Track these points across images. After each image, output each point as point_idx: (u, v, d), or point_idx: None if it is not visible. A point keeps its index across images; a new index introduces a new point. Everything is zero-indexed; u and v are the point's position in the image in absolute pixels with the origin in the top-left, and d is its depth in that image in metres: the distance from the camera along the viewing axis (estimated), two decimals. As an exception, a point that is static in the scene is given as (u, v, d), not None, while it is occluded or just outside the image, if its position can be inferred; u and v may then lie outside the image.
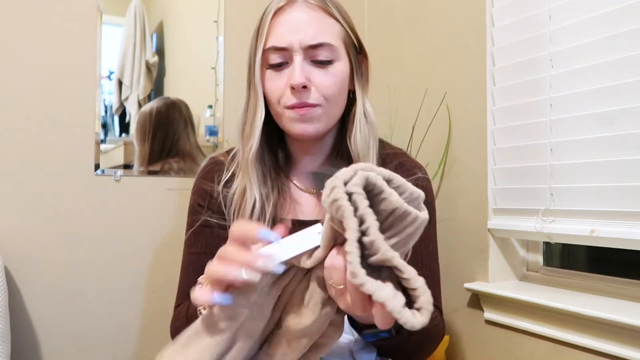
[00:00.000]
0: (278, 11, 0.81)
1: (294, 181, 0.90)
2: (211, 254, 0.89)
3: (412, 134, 1.39)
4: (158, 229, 1.50)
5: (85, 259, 1.41)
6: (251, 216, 0.82)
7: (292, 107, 0.80)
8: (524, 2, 1.16)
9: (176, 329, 0.83)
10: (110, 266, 1.44)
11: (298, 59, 0.79)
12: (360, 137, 0.84)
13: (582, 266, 1.24)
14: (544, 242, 1.23)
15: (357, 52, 0.86)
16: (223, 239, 0.86)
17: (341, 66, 0.82)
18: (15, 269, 1.33)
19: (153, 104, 1.52)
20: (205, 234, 0.88)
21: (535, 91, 1.12)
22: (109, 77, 1.48)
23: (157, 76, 1.53)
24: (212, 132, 1.58)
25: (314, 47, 0.79)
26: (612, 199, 0.97)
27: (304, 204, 0.89)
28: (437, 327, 0.84)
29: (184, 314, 0.82)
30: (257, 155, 0.83)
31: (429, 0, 1.45)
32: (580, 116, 1.03)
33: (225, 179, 0.88)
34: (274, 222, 0.84)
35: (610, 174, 0.98)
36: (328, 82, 0.80)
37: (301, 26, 0.79)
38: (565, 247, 1.25)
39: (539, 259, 1.25)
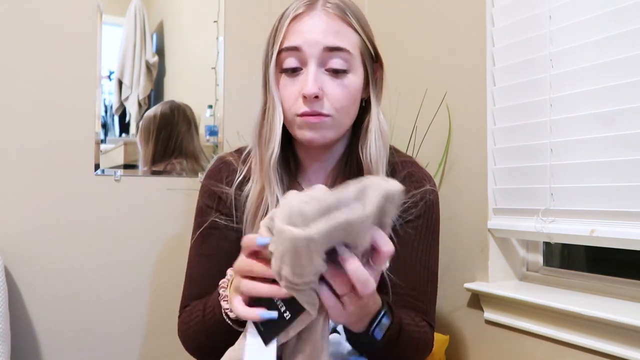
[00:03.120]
0: (296, 17, 0.79)
1: (304, 187, 0.89)
2: (219, 256, 0.88)
3: (412, 134, 1.39)
4: (158, 228, 1.50)
5: (85, 259, 1.41)
6: (259, 218, 0.82)
7: (302, 115, 0.79)
8: (524, 2, 1.16)
9: (194, 332, 0.81)
10: (110, 266, 1.44)
11: (312, 66, 0.77)
12: (374, 149, 0.83)
13: (582, 266, 1.24)
14: (544, 242, 1.23)
15: (372, 60, 0.85)
16: (231, 241, 0.86)
17: (355, 78, 0.81)
18: (15, 269, 1.33)
19: (157, 108, 1.53)
20: (214, 236, 0.87)
21: (535, 91, 1.12)
22: (109, 77, 1.48)
23: (157, 76, 1.53)
24: (212, 132, 1.58)
25: (331, 50, 0.77)
26: (612, 199, 0.97)
27: None
28: (425, 339, 0.83)
29: (200, 318, 0.79)
30: (276, 159, 0.82)
31: (429, 1, 1.45)
32: (580, 116, 1.03)
33: (238, 180, 0.87)
34: None
35: (610, 174, 0.98)
36: (341, 94, 0.79)
37: (318, 31, 0.78)
38: (565, 247, 1.25)
39: (539, 259, 1.25)
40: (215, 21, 1.60)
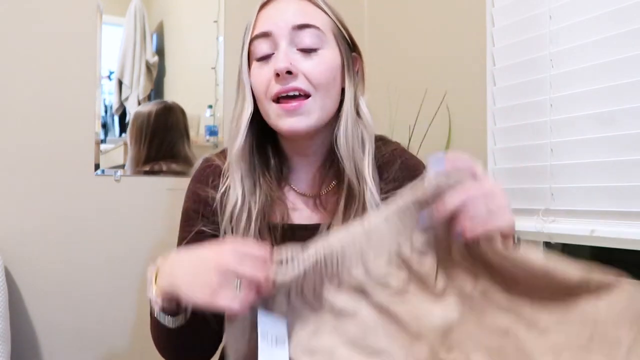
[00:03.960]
0: (264, 5, 0.80)
1: (292, 185, 0.87)
2: None
3: (411, 134, 1.39)
4: (158, 228, 1.50)
5: (85, 259, 1.41)
6: (232, 218, 0.78)
7: (277, 97, 0.76)
8: (524, 2, 1.16)
9: (152, 332, 0.81)
10: (110, 266, 1.44)
11: (283, 44, 0.76)
12: (343, 134, 0.79)
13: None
14: (544, 242, 1.23)
15: (349, 49, 0.83)
16: None
17: (330, 54, 0.78)
18: (15, 269, 1.33)
19: (152, 107, 1.52)
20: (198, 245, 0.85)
21: (535, 91, 1.12)
22: (109, 77, 1.48)
23: (157, 76, 1.53)
24: (212, 132, 1.58)
25: (300, 27, 0.76)
26: (612, 199, 0.97)
27: (301, 208, 0.85)
28: None
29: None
30: (242, 153, 0.79)
31: (429, 1, 1.45)
32: (580, 116, 1.03)
33: (224, 185, 0.83)
34: (262, 227, 0.80)
35: (610, 174, 0.97)
36: (316, 70, 0.76)
37: (286, 12, 0.78)
38: (565, 247, 1.24)
39: (539, 259, 1.25)
40: (215, 21, 1.60)
